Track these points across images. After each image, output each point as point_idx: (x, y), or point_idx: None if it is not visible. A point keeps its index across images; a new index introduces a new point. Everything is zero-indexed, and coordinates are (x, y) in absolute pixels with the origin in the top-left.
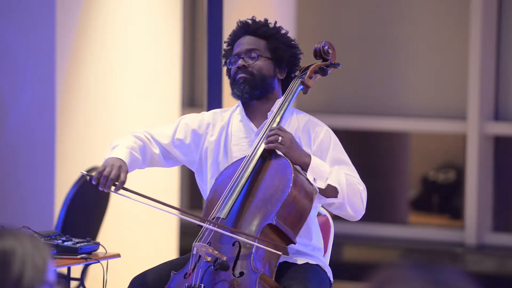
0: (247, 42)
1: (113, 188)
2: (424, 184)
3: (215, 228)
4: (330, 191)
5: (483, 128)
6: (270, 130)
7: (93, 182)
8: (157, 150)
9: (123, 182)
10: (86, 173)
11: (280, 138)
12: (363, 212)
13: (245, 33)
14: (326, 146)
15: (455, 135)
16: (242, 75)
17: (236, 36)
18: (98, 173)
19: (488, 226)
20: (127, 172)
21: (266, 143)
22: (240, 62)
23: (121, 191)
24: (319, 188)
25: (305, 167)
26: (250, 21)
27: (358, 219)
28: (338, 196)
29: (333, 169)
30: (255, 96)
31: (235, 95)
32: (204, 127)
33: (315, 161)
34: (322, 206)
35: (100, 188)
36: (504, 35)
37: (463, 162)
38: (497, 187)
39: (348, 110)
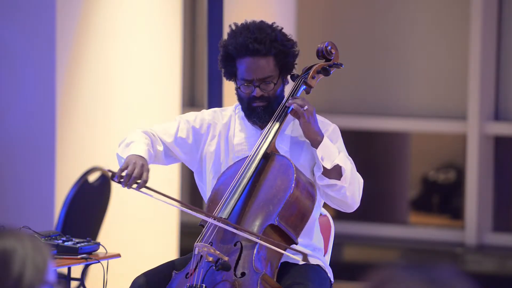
0: (259, 67)
1: (134, 185)
2: (424, 184)
3: (226, 227)
4: (334, 173)
5: (483, 128)
6: (294, 98)
7: (115, 180)
8: (161, 148)
9: (146, 181)
10: (108, 169)
11: (306, 106)
12: (357, 204)
13: (254, 55)
14: (333, 140)
15: (455, 135)
16: (260, 104)
17: (241, 52)
18: (120, 171)
19: (488, 226)
20: (149, 170)
21: (292, 103)
22: (258, 91)
23: (144, 190)
24: (324, 168)
25: (316, 144)
26: (259, 44)
27: (352, 210)
28: (341, 179)
29: (341, 154)
30: (271, 117)
31: (253, 122)
32: (206, 126)
33: (326, 141)
34: (323, 191)
35: (123, 186)
36: (504, 35)
37: (463, 162)
38: (497, 187)
39: (348, 110)
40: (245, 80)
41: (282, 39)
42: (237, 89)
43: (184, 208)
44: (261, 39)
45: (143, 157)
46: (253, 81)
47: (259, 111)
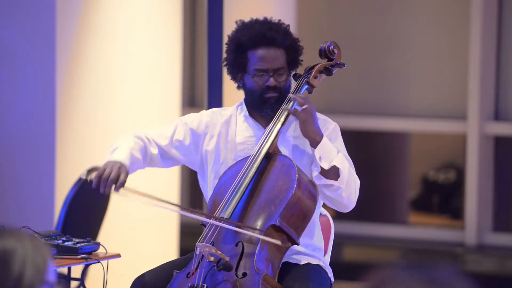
0: (274, 57)
1: (113, 188)
2: (424, 184)
3: (220, 223)
4: (332, 174)
5: (483, 128)
6: (297, 95)
7: (93, 185)
8: (155, 151)
9: (123, 182)
10: (85, 177)
11: (306, 105)
12: (353, 205)
13: (270, 44)
14: (333, 138)
15: (455, 135)
16: (274, 95)
17: (256, 42)
18: (97, 175)
19: (488, 226)
20: (127, 172)
21: (288, 108)
22: (272, 81)
23: (122, 191)
24: (321, 168)
25: (314, 144)
26: (275, 33)
27: (348, 211)
28: (338, 180)
29: (339, 155)
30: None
31: (266, 114)
32: (203, 127)
33: (325, 142)
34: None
35: (101, 191)
36: (504, 35)
37: (463, 162)
38: (497, 187)
39: (348, 110)
40: (258, 70)
41: (292, 34)
42: (250, 79)
43: (169, 208)
44: (276, 29)
45: (121, 161)
46: (268, 71)
47: (272, 101)
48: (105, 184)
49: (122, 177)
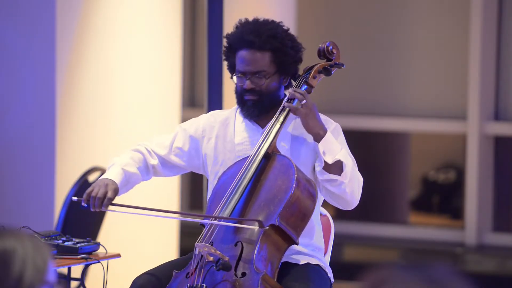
0: (252, 60)
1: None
2: (424, 184)
3: (216, 222)
4: (335, 169)
5: (483, 128)
6: (294, 91)
7: (84, 204)
8: (155, 161)
9: (110, 199)
10: (76, 198)
11: (304, 100)
12: (356, 202)
13: (249, 47)
14: (335, 137)
15: (455, 135)
16: (250, 97)
17: (238, 43)
18: (86, 195)
19: (488, 226)
20: (114, 189)
21: (286, 103)
22: (248, 84)
23: (111, 208)
24: (325, 162)
25: (318, 138)
26: (254, 37)
27: (351, 208)
28: (341, 174)
29: (342, 150)
30: (263, 114)
31: (243, 115)
32: (200, 131)
33: (329, 136)
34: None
35: (92, 209)
36: (504, 35)
37: (463, 162)
38: (497, 187)
39: (348, 110)
40: (238, 71)
41: (283, 37)
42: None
43: (163, 215)
44: (259, 32)
45: (110, 179)
46: (246, 74)
47: (249, 104)
48: (94, 203)
49: (109, 194)
